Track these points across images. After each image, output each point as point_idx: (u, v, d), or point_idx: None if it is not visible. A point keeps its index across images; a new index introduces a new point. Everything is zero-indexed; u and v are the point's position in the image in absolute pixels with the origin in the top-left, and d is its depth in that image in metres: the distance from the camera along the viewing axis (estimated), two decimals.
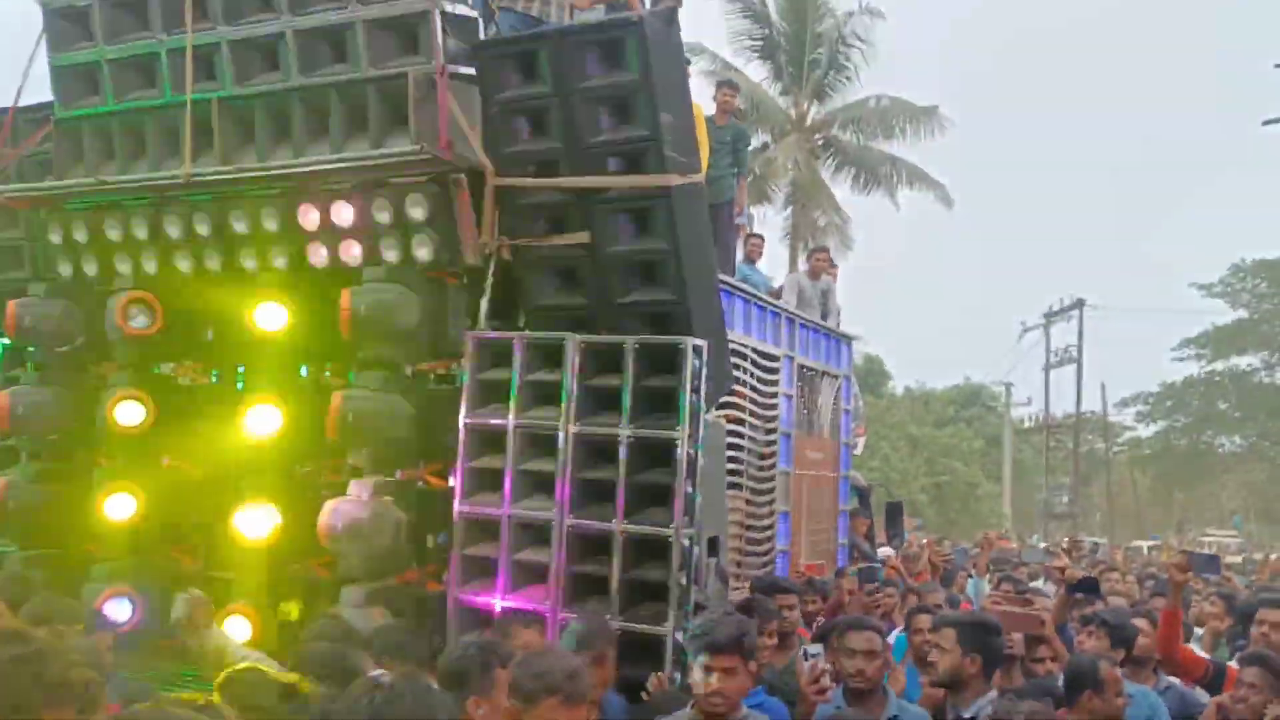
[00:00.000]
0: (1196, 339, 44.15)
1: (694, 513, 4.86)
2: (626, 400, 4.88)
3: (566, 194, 5.15)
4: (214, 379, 6.16)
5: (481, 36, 5.38)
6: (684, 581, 4.79)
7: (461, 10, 5.23)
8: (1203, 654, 5.90)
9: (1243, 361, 44.05)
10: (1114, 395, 45.42)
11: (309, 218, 5.42)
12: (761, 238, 11.75)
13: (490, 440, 5.18)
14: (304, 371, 5.97)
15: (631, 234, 5.12)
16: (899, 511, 12.64)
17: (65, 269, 6.15)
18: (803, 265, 13.04)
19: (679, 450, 4.79)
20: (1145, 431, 47.37)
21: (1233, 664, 5.20)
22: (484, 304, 5.35)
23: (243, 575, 5.53)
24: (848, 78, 25.15)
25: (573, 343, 5.01)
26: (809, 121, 25.70)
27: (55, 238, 6.09)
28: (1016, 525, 37.97)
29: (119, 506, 5.41)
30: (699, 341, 4.84)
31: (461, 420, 5.18)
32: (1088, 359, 36.21)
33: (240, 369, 6.11)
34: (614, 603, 4.85)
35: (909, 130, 25.12)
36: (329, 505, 5.21)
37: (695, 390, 4.80)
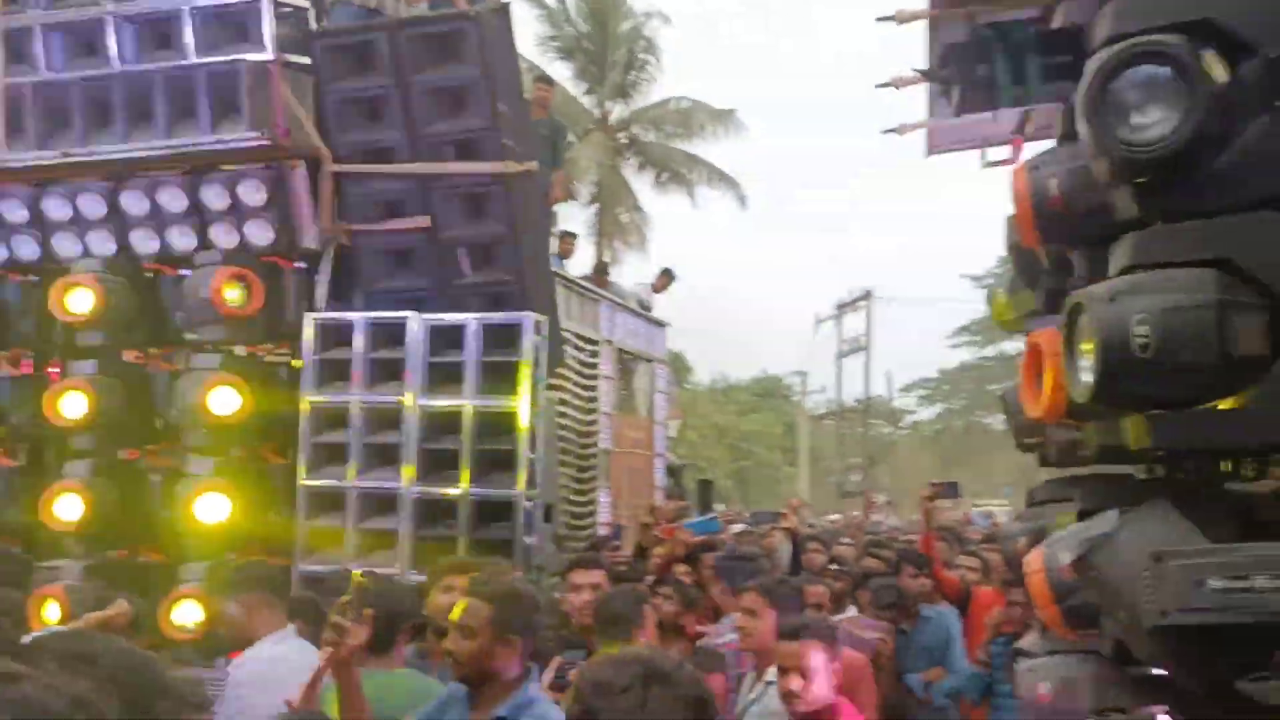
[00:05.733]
0: (969, 326, 47.54)
1: (536, 479, 5.18)
2: (469, 374, 5.15)
3: (404, 181, 5.37)
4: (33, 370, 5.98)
5: (314, 27, 5.50)
6: (529, 541, 5.12)
7: (294, 1, 5.35)
8: None
9: (1010, 347, 47.79)
10: (900, 381, 48.46)
11: (137, 205, 5.40)
12: (575, 236, 12.14)
13: (333, 417, 5.32)
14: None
15: (470, 218, 5.39)
16: (709, 489, 13.38)
17: None
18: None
19: (521, 420, 5.11)
20: (927, 414, 50.87)
21: None
22: (322, 288, 5.49)
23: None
24: (648, 79, 25.91)
25: (418, 321, 5.23)
26: (611, 121, 26.28)
27: None
28: (814, 504, 39.91)
29: None
30: (539, 318, 5.17)
31: (304, 398, 5.31)
32: (876, 348, 38.35)
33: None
34: None
35: (709, 132, 26.05)
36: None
37: (535, 364, 5.12)
